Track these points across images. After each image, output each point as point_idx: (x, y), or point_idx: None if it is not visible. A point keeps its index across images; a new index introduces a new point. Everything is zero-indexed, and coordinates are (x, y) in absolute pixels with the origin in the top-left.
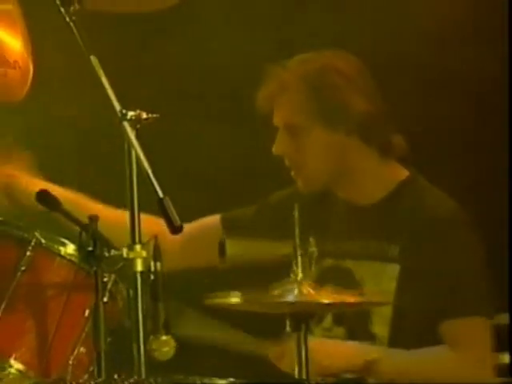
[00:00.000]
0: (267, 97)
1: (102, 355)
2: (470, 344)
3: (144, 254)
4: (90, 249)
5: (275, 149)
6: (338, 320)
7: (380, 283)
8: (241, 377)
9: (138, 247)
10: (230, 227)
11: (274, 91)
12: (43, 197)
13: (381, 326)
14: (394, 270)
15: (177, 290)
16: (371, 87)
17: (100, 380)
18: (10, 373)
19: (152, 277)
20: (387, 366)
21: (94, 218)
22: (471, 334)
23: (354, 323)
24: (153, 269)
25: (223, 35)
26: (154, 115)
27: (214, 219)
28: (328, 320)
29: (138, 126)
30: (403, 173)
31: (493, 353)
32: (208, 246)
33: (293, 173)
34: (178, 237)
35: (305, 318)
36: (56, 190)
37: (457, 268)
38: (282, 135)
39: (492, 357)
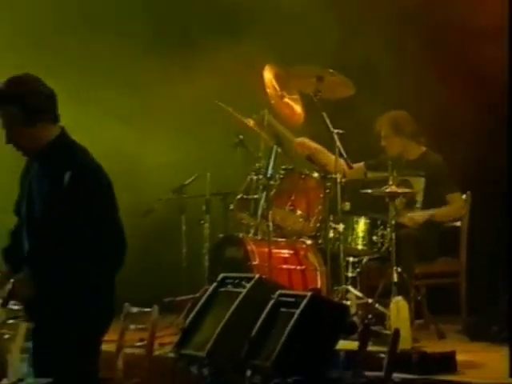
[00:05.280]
0: (378, 125)
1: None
2: (456, 203)
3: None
4: (316, 175)
5: (382, 143)
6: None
7: (419, 185)
8: None
9: (337, 173)
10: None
11: (380, 124)
12: (308, 158)
13: (419, 198)
14: (422, 180)
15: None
16: (414, 123)
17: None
18: (295, 215)
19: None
20: (435, 214)
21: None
22: (456, 199)
23: (408, 198)
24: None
25: None
26: None
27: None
28: (399, 198)
29: None
30: (424, 149)
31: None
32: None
33: (386, 149)
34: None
35: (393, 197)
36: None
37: (446, 176)
38: (383, 138)
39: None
